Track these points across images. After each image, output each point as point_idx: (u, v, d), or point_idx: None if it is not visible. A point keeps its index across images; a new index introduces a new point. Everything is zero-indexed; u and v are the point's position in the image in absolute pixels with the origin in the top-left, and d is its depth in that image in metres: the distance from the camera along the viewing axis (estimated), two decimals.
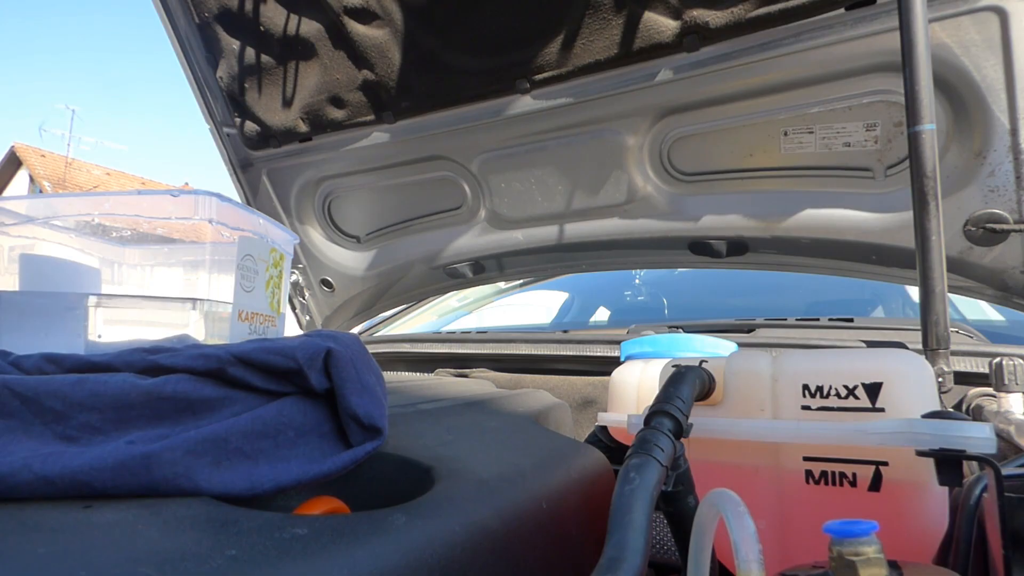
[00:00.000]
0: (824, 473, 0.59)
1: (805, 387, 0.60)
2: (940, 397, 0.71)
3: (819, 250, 1.37)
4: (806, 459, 0.60)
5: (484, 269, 1.82)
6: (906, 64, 0.86)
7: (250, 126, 1.71)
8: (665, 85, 1.30)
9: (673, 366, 0.66)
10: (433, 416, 0.79)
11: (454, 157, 1.62)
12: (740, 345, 1.08)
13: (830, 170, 1.30)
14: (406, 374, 1.68)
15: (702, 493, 0.46)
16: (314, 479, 0.51)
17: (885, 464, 0.56)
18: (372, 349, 1.67)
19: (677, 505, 0.56)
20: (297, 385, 0.55)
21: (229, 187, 2.03)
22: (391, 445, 0.60)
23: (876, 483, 0.56)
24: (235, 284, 0.83)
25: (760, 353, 0.66)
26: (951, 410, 0.55)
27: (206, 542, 0.38)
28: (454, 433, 0.71)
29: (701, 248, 1.49)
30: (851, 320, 1.40)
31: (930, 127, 0.85)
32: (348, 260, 1.93)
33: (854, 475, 0.57)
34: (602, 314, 2.35)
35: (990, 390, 0.94)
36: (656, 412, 0.54)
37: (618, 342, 1.16)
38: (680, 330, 1.43)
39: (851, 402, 0.58)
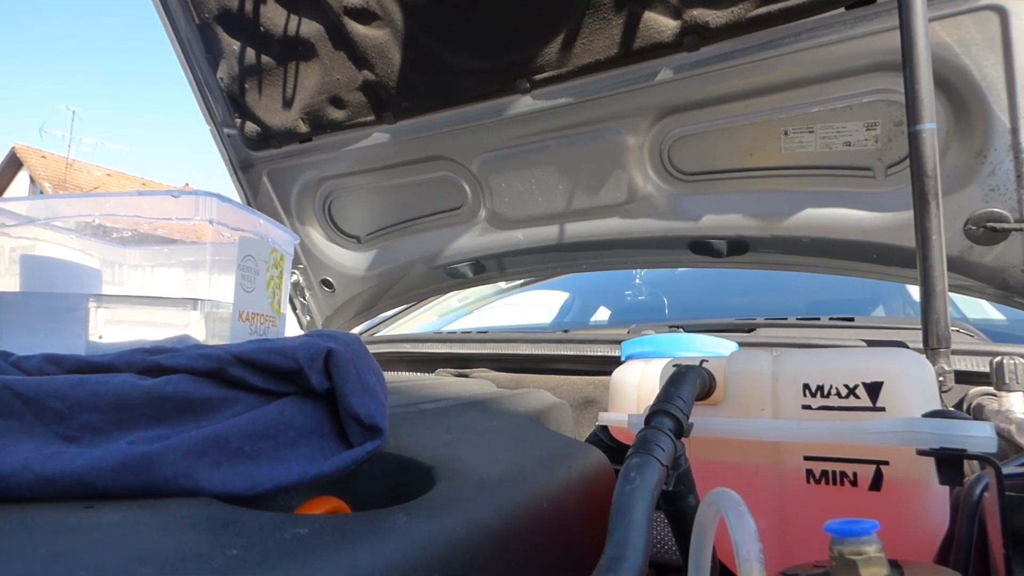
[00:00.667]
0: (825, 472, 0.59)
1: (806, 386, 0.60)
2: (941, 396, 0.71)
3: (819, 249, 1.37)
4: (807, 458, 0.60)
5: (484, 269, 1.82)
6: (906, 63, 0.86)
7: (250, 127, 1.71)
8: (665, 85, 1.30)
9: (674, 366, 0.66)
10: (434, 416, 0.79)
11: (454, 157, 1.62)
12: (741, 344, 1.08)
13: (830, 169, 1.30)
14: (407, 374, 1.68)
15: (703, 492, 0.46)
16: (315, 479, 0.51)
17: (886, 463, 0.56)
18: (373, 349, 1.67)
19: (678, 504, 0.56)
20: (298, 385, 0.55)
21: (229, 188, 2.03)
22: (392, 445, 0.60)
23: (877, 482, 0.56)
24: (236, 284, 0.83)
25: (761, 352, 0.66)
26: (952, 409, 0.55)
27: (207, 542, 0.38)
28: (455, 433, 0.71)
29: (701, 248, 1.49)
30: (852, 319, 1.40)
31: (930, 126, 0.85)
32: (348, 260, 1.93)
33: (855, 474, 0.57)
34: (603, 314, 2.35)
35: (991, 389, 0.94)
36: (657, 412, 0.54)
37: (619, 342, 1.16)
38: (681, 330, 1.43)
39: (852, 401, 0.58)
